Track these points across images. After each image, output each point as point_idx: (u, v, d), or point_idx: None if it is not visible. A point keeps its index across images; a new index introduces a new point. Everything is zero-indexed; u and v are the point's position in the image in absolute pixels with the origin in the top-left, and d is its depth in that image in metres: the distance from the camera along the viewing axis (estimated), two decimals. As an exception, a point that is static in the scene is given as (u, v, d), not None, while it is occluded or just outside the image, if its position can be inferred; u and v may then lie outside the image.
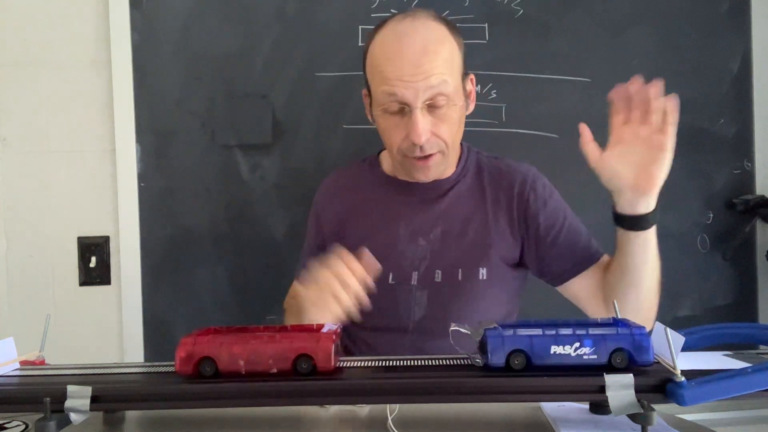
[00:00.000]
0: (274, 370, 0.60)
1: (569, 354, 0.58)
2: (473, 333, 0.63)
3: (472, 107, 0.98)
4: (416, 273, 0.96)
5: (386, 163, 1.05)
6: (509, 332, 0.59)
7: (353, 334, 1.01)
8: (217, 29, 1.32)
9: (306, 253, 1.07)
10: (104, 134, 1.32)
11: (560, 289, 1.00)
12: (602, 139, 1.35)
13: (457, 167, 1.00)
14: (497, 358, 0.59)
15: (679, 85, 1.37)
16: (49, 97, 1.32)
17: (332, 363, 0.60)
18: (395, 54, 0.87)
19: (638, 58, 1.36)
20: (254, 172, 1.33)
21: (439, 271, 0.96)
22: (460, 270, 0.95)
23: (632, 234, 0.85)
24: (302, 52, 1.32)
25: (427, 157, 0.91)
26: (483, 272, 0.95)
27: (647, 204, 0.84)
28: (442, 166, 0.95)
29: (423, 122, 0.87)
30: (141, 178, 1.31)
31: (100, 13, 1.31)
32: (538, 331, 0.59)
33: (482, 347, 0.61)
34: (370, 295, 0.94)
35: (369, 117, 0.99)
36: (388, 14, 1.31)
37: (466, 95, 0.95)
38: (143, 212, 1.31)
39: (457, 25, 1.33)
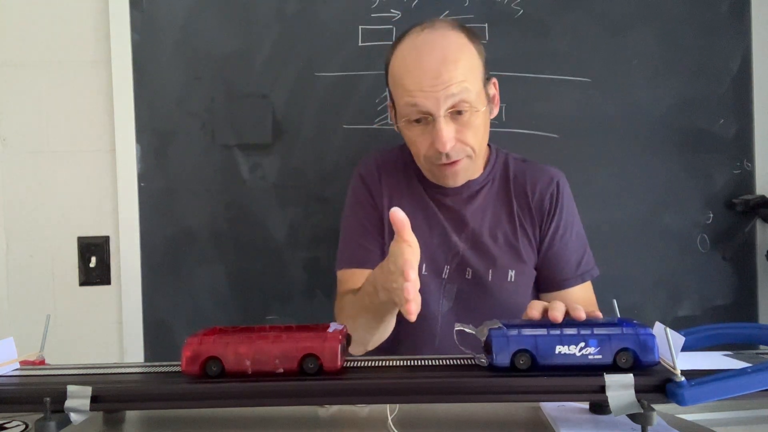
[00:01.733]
0: (281, 370, 0.60)
1: (574, 354, 0.58)
2: (478, 333, 0.63)
3: (496, 111, 1.01)
4: (448, 267, 0.99)
5: None
6: (514, 332, 0.59)
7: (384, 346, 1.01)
8: (217, 29, 1.32)
9: (355, 238, 1.02)
10: (104, 134, 1.32)
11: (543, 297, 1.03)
12: (601, 138, 1.36)
13: (485, 169, 1.03)
14: (502, 358, 0.59)
15: (679, 85, 1.38)
16: (49, 97, 1.32)
17: (339, 363, 0.60)
18: (415, 66, 0.89)
19: (638, 58, 1.36)
20: (254, 172, 1.33)
21: (470, 270, 0.99)
22: (491, 271, 0.98)
23: None
24: (302, 52, 1.32)
25: (454, 162, 0.92)
26: (512, 274, 0.99)
27: None
28: (470, 170, 0.98)
29: (447, 130, 0.88)
30: (141, 178, 1.31)
31: (100, 13, 1.31)
32: (542, 331, 0.59)
33: (487, 347, 0.61)
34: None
35: (395, 127, 1.02)
36: (388, 14, 1.32)
37: (490, 99, 0.97)
38: (143, 212, 1.31)
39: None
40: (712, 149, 1.39)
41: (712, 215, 1.39)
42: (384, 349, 0.98)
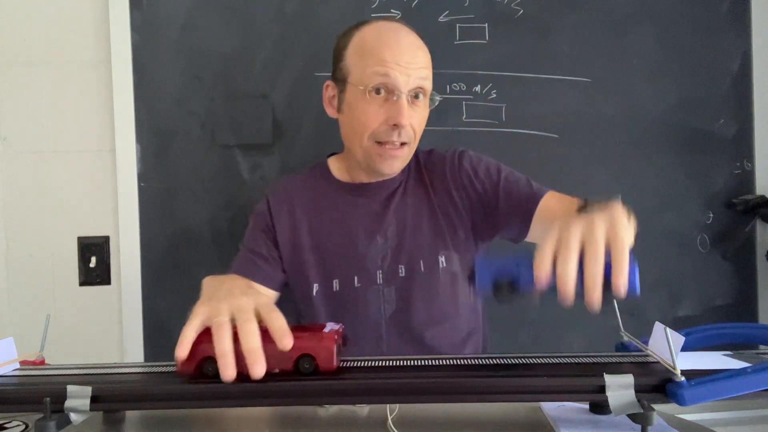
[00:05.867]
0: (276, 371, 0.60)
1: None
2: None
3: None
4: (380, 272, 0.99)
5: (335, 168, 1.07)
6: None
7: None
8: (217, 29, 1.32)
9: (241, 260, 1.02)
10: (104, 134, 1.32)
11: (521, 238, 0.99)
12: (601, 138, 1.36)
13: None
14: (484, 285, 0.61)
15: (679, 85, 1.38)
16: (49, 97, 1.32)
17: (334, 363, 0.60)
18: (394, 40, 0.94)
19: (638, 58, 1.36)
20: (254, 172, 1.33)
21: (402, 266, 0.99)
22: (421, 261, 0.99)
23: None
24: (302, 52, 1.32)
25: (398, 148, 0.95)
26: (442, 259, 0.99)
27: None
28: (405, 162, 1.00)
29: (407, 107, 0.93)
30: (141, 178, 1.31)
31: (100, 13, 1.31)
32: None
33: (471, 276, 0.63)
34: (339, 302, 0.97)
35: (328, 108, 1.03)
36: (388, 14, 1.32)
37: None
38: (143, 212, 1.31)
39: (457, 25, 1.34)
40: (712, 149, 1.39)
41: (712, 215, 1.39)
42: None
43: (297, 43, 1.32)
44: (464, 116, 1.34)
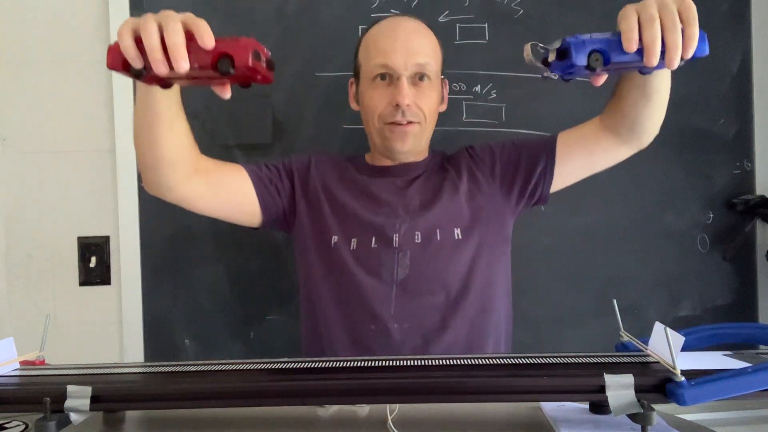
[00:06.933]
0: (195, 66, 0.66)
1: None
2: (550, 46, 0.71)
3: (444, 107, 1.10)
4: (397, 236, 1.03)
5: (367, 157, 1.16)
6: (587, 36, 0.67)
7: (328, 319, 1.03)
8: (217, 29, 1.31)
9: (268, 164, 1.09)
10: (104, 134, 1.32)
11: (560, 181, 1.08)
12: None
13: (427, 156, 1.12)
14: (580, 59, 0.67)
15: (679, 85, 1.38)
16: (49, 97, 1.32)
17: (250, 62, 0.65)
18: (391, 31, 1.02)
19: (638, 58, 1.36)
20: (254, 172, 1.33)
21: (419, 233, 1.03)
22: (438, 230, 1.04)
23: None
24: (302, 52, 1.32)
25: (406, 125, 1.01)
26: (458, 232, 1.04)
27: None
28: (419, 139, 1.05)
29: (407, 88, 0.99)
30: (141, 178, 1.31)
31: (100, 13, 1.31)
32: (609, 35, 0.68)
33: (562, 55, 0.68)
34: (355, 259, 1.02)
35: (352, 104, 1.11)
36: (388, 14, 1.32)
37: (441, 94, 1.08)
38: (143, 212, 1.31)
39: (457, 25, 1.34)
40: (712, 149, 1.39)
41: (712, 215, 1.39)
42: (335, 316, 1.02)
43: (297, 43, 1.32)
44: (464, 116, 1.34)
